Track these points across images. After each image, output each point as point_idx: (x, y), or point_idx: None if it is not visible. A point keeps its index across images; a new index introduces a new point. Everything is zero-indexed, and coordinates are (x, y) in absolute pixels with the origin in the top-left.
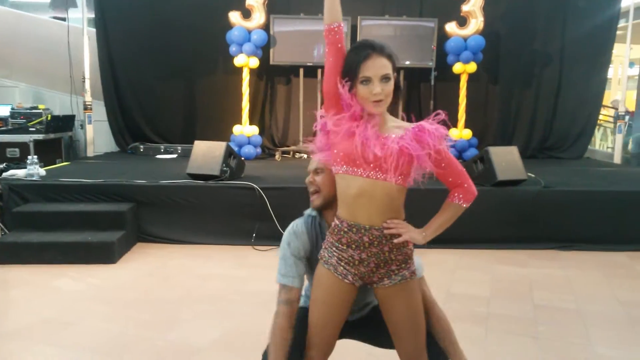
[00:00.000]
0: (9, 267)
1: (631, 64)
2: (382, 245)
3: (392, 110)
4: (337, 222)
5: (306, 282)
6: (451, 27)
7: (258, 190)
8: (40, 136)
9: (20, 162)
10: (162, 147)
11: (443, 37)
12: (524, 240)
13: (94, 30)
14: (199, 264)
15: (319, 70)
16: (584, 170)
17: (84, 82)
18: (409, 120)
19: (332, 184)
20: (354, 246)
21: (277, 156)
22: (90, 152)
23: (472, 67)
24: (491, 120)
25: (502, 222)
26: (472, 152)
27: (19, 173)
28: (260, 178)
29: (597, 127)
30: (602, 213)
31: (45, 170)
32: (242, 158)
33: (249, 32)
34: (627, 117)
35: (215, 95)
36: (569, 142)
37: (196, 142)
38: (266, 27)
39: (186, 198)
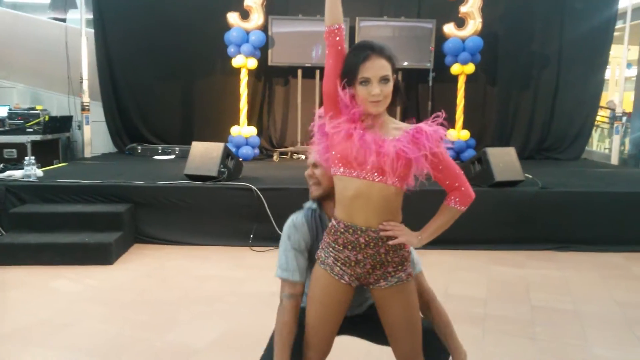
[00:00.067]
0: (6, 268)
1: (628, 65)
2: (378, 247)
3: (390, 112)
4: (334, 222)
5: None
6: (449, 28)
7: (256, 191)
8: (37, 137)
9: (17, 163)
10: (160, 148)
11: (441, 38)
12: (521, 241)
13: (92, 30)
14: (196, 265)
15: (317, 71)
16: (581, 171)
17: (81, 83)
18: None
19: (331, 176)
20: (350, 247)
21: (275, 157)
22: (87, 153)
23: (470, 68)
24: (489, 121)
25: (500, 223)
26: (469, 153)
27: (16, 174)
28: (258, 179)
29: (595, 128)
30: (599, 214)
31: (42, 171)
32: (240, 159)
33: (247, 33)
34: (624, 119)
35: (213, 96)
36: (566, 143)
37: (194, 143)
38: (264, 28)
39: (184, 199)
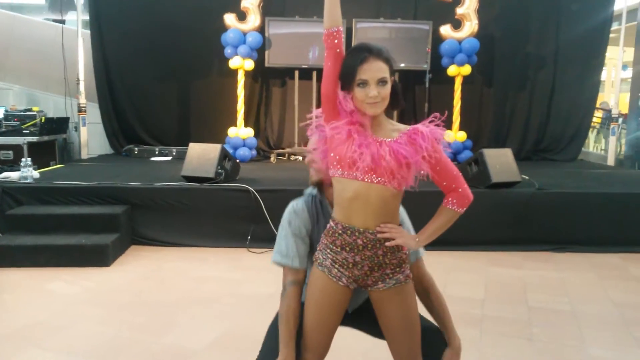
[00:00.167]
0: (3, 270)
1: (624, 66)
2: (376, 249)
3: (388, 113)
4: (332, 224)
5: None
6: (446, 30)
7: (253, 192)
8: (34, 138)
9: (13, 165)
10: (157, 149)
11: (438, 39)
12: (518, 242)
13: (88, 32)
14: (193, 266)
15: (314, 73)
16: (577, 172)
17: (78, 84)
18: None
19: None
20: (347, 249)
21: (272, 158)
22: (84, 155)
23: (466, 69)
24: (485, 122)
25: (497, 224)
26: (466, 154)
27: (13, 175)
28: (255, 180)
29: (591, 129)
30: (596, 215)
31: (39, 172)
32: (237, 160)
33: (244, 34)
34: (620, 120)
35: (210, 97)
36: (562, 144)
37: (191, 145)
38: (261, 30)
39: (181, 200)
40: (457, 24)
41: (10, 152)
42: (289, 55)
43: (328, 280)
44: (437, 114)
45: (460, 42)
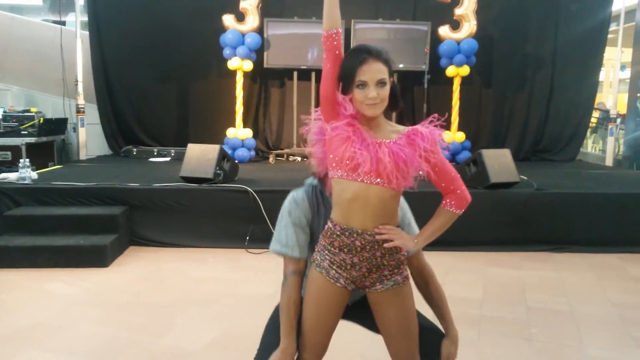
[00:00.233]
0: (1, 271)
1: (622, 67)
2: (374, 250)
3: (386, 114)
4: (330, 225)
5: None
6: (444, 31)
7: (252, 193)
8: (32, 139)
9: (12, 166)
10: (155, 150)
11: (436, 40)
12: (516, 242)
13: (86, 33)
14: (192, 267)
15: (313, 74)
16: (576, 172)
17: (76, 85)
18: (404, 123)
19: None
20: (346, 250)
21: (271, 159)
22: (82, 156)
23: (465, 70)
24: (484, 123)
25: (495, 224)
26: (465, 155)
27: (11, 176)
28: (254, 181)
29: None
30: (595, 215)
31: (37, 173)
32: (236, 161)
33: (243, 35)
34: (618, 120)
35: (209, 98)
36: (561, 144)
37: (189, 145)
38: (260, 31)
39: (179, 201)
40: (455, 25)
41: (9, 153)
42: (288, 56)
43: (326, 281)
44: (436, 115)
45: (458, 42)
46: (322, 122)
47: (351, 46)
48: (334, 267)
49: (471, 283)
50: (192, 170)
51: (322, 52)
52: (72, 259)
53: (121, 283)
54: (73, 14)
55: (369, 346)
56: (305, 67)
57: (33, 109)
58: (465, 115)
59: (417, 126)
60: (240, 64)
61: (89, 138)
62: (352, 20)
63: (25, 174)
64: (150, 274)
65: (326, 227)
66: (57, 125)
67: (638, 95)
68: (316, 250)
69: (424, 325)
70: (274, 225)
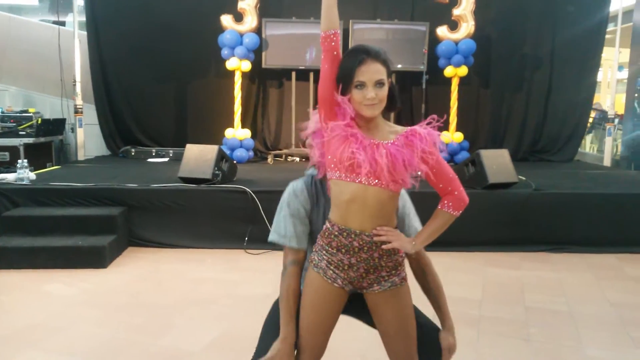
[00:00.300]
0: None
1: (620, 67)
2: (371, 251)
3: (385, 114)
4: (328, 225)
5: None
6: (442, 31)
7: (250, 193)
8: (30, 140)
9: (10, 166)
10: (154, 150)
11: (434, 40)
12: (515, 242)
13: (84, 33)
14: (190, 268)
15: (311, 74)
16: (574, 172)
17: (74, 85)
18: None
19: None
20: (343, 250)
21: (270, 159)
22: (81, 156)
23: (463, 70)
24: (482, 123)
25: (494, 224)
26: (463, 155)
27: (9, 177)
28: (252, 181)
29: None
30: (593, 215)
31: (35, 174)
32: (234, 161)
33: (241, 35)
34: (616, 120)
35: (207, 98)
36: (559, 144)
37: (188, 146)
38: (258, 31)
39: (178, 202)
40: (453, 25)
41: (7, 153)
42: (286, 56)
43: (323, 281)
44: (435, 116)
45: (456, 43)
46: (320, 123)
47: (350, 46)
48: (332, 267)
49: (470, 283)
50: (191, 170)
51: (321, 53)
52: (71, 260)
53: (120, 284)
54: (72, 14)
55: (369, 347)
56: (303, 68)
57: (31, 110)
58: (463, 116)
59: (416, 127)
60: (238, 64)
61: (87, 138)
62: (351, 21)
63: (23, 174)
64: (148, 274)
65: (324, 227)
66: (55, 126)
67: (636, 95)
68: (314, 250)
69: (423, 323)
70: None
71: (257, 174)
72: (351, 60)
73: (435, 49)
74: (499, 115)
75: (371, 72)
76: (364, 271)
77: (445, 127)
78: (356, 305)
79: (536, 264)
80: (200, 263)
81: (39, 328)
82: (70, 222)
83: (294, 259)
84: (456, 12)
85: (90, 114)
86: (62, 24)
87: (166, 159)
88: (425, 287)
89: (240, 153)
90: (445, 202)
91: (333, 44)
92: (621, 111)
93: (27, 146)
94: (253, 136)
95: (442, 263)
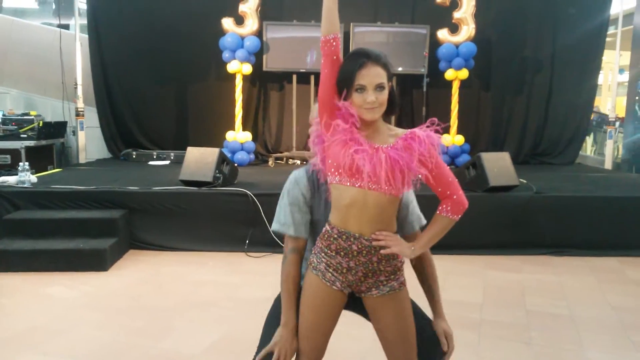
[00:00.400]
0: (0, 274)
1: (621, 70)
2: (370, 255)
3: (384, 118)
4: (327, 227)
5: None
6: (443, 34)
7: (251, 196)
8: (31, 143)
9: (11, 169)
10: (155, 153)
11: (435, 43)
12: (516, 245)
13: (86, 36)
14: (191, 270)
15: (312, 77)
16: (575, 175)
17: (76, 88)
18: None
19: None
20: (342, 253)
21: (271, 162)
22: (82, 159)
23: (464, 73)
24: (483, 126)
25: (494, 227)
26: (464, 158)
27: (10, 180)
28: (253, 184)
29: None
30: (594, 218)
31: (36, 177)
32: (235, 164)
33: (242, 38)
34: (617, 124)
35: (208, 101)
36: (560, 147)
37: (189, 149)
38: (259, 34)
39: (179, 205)
40: (454, 28)
41: (8, 156)
42: (287, 59)
43: (322, 284)
44: (435, 119)
45: (457, 46)
46: (320, 127)
47: (350, 49)
48: (330, 270)
49: (471, 286)
50: (192, 173)
51: (321, 56)
52: (72, 263)
53: (120, 287)
54: (73, 17)
55: (368, 349)
56: (304, 70)
57: (32, 112)
58: (464, 119)
59: (415, 129)
60: (239, 67)
61: (88, 141)
62: (351, 24)
63: (25, 177)
64: (149, 277)
65: (324, 229)
66: (57, 129)
67: (637, 98)
68: (313, 252)
69: (422, 325)
70: None
71: (258, 177)
72: (352, 63)
73: (436, 52)
74: (499, 118)
75: (372, 75)
76: (363, 275)
77: (446, 130)
78: (359, 303)
79: (537, 267)
80: (201, 266)
81: (40, 331)
82: (72, 225)
83: (293, 246)
84: (457, 15)
85: (92, 117)
86: (66, 27)
87: (167, 162)
88: (420, 272)
89: (241, 156)
90: (444, 206)
91: (333, 48)
92: (622, 114)
93: (28, 149)
94: (254, 139)
95: (442, 266)
